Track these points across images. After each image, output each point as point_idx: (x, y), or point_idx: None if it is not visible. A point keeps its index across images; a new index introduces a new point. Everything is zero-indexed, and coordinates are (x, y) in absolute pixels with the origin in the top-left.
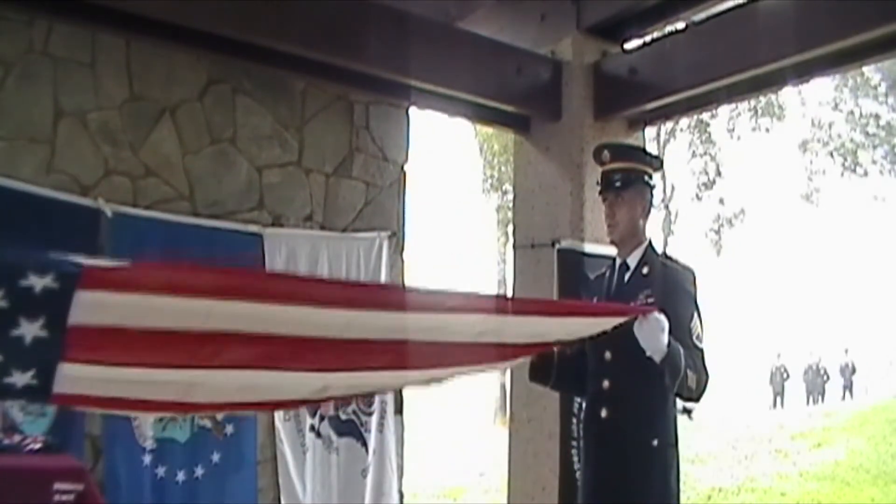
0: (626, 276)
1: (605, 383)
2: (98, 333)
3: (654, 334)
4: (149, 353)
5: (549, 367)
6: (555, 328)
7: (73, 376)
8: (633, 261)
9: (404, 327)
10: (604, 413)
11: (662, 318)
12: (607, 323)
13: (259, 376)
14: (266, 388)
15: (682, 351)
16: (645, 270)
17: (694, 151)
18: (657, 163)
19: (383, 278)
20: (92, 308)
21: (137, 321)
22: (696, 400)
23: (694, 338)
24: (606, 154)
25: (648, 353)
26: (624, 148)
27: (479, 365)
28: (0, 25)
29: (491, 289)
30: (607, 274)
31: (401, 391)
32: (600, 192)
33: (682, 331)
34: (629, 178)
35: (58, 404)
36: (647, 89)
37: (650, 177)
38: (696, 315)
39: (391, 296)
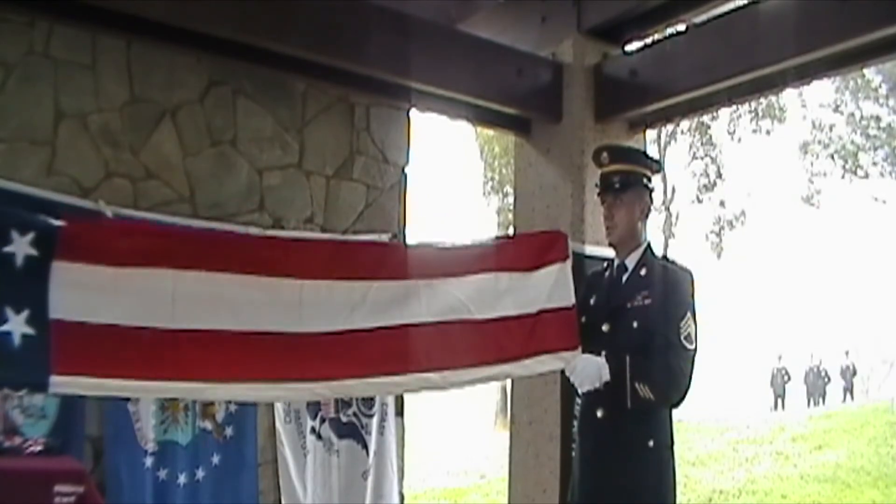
0: (624, 278)
1: None
2: (80, 337)
3: (585, 374)
4: (136, 365)
5: None
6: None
7: (65, 384)
8: (631, 262)
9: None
10: (600, 413)
11: (586, 360)
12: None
13: (251, 387)
14: (259, 395)
15: (626, 368)
16: (643, 272)
17: (694, 154)
18: (656, 165)
19: None
20: (68, 289)
21: (111, 310)
22: (678, 403)
23: (682, 337)
24: (605, 156)
25: (581, 389)
26: (623, 150)
27: (472, 369)
28: (0, 27)
29: None
30: (606, 274)
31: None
32: (599, 194)
33: (670, 329)
34: (628, 181)
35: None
36: (647, 91)
37: (649, 179)
38: (689, 315)
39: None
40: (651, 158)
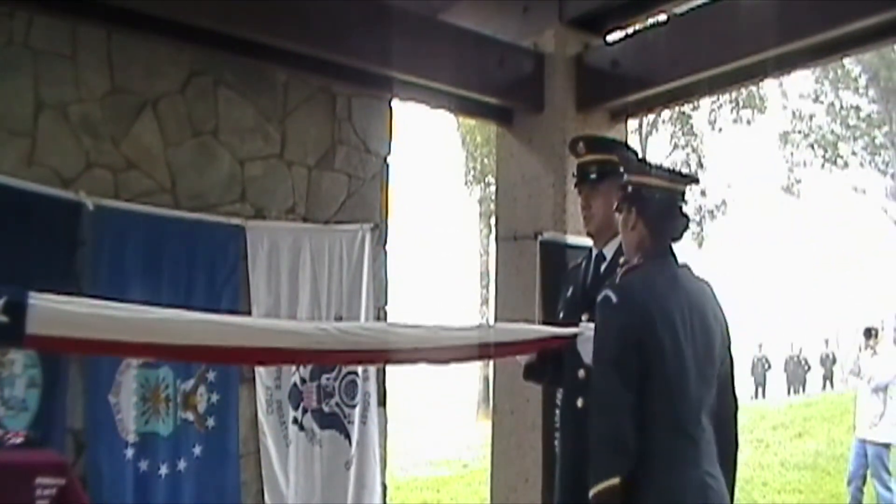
0: (602, 267)
1: (581, 373)
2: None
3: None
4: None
5: (544, 365)
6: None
7: (48, 309)
8: (609, 252)
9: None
10: (580, 403)
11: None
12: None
13: (249, 321)
14: (255, 332)
15: None
16: (622, 261)
17: (676, 143)
18: (632, 154)
19: (366, 270)
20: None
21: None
22: None
23: None
24: (581, 146)
25: (586, 359)
26: (599, 140)
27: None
28: None
29: (473, 280)
30: (583, 265)
31: (384, 382)
32: (576, 185)
33: None
34: (604, 170)
35: (31, 347)
36: (628, 81)
37: None
38: None
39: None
40: (628, 147)
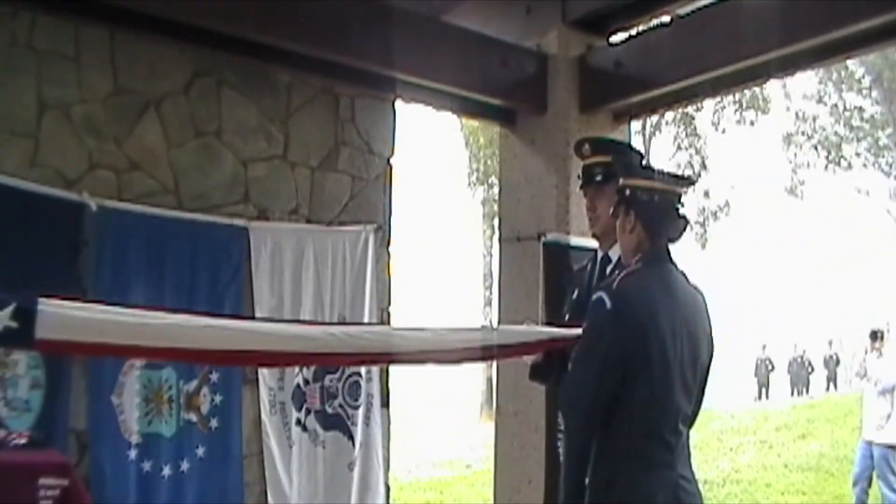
0: (608, 269)
1: None
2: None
3: None
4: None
5: (549, 365)
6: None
7: (57, 315)
8: (615, 254)
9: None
10: None
11: None
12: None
13: (256, 326)
14: (261, 336)
15: None
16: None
17: (679, 144)
18: (638, 156)
19: (369, 272)
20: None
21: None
22: None
23: None
24: (587, 148)
25: None
26: (604, 142)
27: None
28: None
29: (476, 281)
30: (589, 266)
31: (387, 383)
32: (581, 186)
33: None
34: (610, 172)
35: (40, 350)
36: (632, 82)
37: None
38: None
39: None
40: (633, 149)
